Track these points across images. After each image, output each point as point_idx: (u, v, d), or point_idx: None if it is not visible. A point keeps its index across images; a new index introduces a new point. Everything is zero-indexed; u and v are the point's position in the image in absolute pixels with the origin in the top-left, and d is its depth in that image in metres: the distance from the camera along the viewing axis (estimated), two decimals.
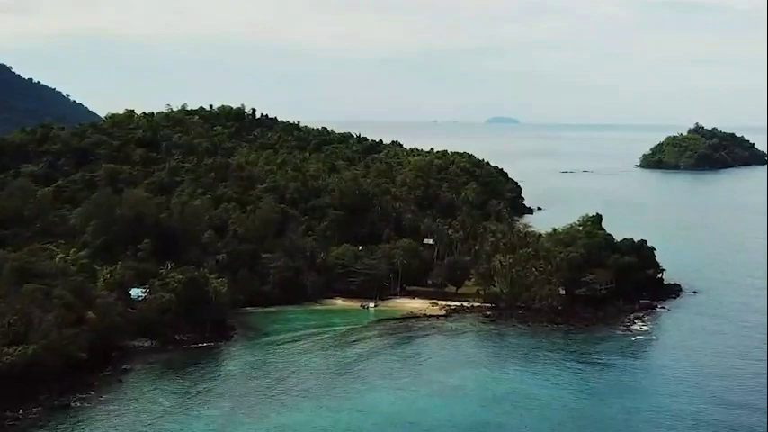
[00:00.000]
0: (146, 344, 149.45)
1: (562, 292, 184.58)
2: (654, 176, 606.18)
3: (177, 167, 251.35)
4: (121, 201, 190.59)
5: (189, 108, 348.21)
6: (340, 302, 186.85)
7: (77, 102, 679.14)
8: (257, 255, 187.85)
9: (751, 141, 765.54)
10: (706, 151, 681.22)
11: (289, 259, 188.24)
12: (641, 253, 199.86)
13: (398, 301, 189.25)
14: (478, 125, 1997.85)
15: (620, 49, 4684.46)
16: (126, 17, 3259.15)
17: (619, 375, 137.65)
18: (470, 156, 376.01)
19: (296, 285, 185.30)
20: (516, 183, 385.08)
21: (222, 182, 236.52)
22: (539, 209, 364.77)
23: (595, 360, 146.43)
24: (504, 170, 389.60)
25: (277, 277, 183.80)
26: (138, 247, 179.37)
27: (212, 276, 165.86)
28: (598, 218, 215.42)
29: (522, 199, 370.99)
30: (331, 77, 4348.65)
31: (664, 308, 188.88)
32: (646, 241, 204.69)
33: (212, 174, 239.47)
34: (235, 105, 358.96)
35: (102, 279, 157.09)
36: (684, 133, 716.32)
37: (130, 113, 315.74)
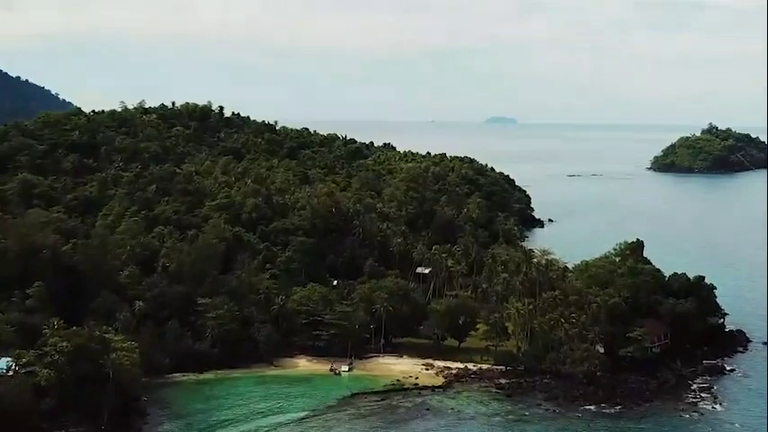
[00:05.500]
0: None
1: (601, 350, 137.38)
2: (668, 181, 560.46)
3: (117, 176, 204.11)
4: (10, 227, 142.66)
5: (147, 106, 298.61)
6: (303, 364, 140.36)
7: (66, 100, 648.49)
8: (191, 299, 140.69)
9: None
10: (721, 153, 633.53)
11: (234, 305, 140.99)
12: (700, 294, 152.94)
13: (381, 361, 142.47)
14: (477, 125, 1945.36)
15: (621, 49, 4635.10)
16: (117, 15, 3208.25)
17: None
18: (472, 161, 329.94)
19: (243, 341, 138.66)
20: (524, 191, 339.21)
21: (166, 197, 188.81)
22: (550, 221, 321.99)
23: None
24: (507, 174, 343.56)
25: (217, 331, 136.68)
26: (27, 292, 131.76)
27: (118, 338, 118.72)
28: (639, 245, 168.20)
29: (532, 210, 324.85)
30: (328, 76, 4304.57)
31: (733, 370, 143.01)
32: (704, 278, 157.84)
33: (153, 186, 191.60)
34: (225, 105, 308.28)
35: None
36: (698, 134, 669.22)
37: (75, 112, 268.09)
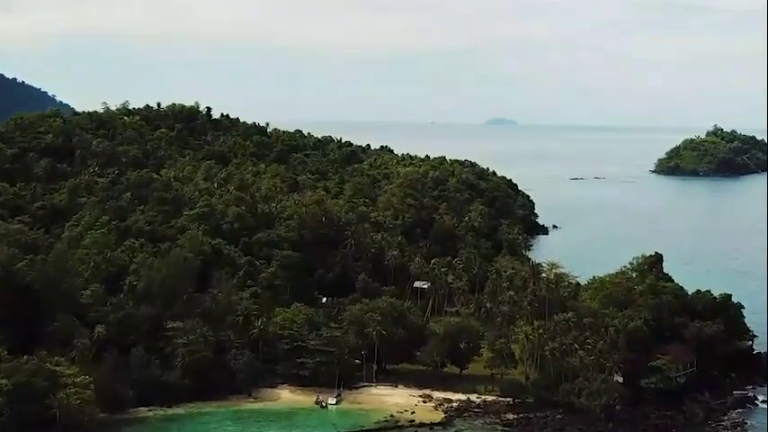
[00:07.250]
0: None
1: (620, 380, 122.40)
2: (673, 184, 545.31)
3: (90, 183, 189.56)
4: None
5: (132, 107, 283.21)
6: (285, 396, 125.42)
7: (63, 102, 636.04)
8: (161, 323, 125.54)
9: None
10: (727, 155, 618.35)
11: (209, 328, 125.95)
12: (727, 315, 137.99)
13: (374, 391, 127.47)
14: (477, 126, 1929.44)
15: (621, 49, 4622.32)
16: (115, 17, 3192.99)
17: None
18: (473, 164, 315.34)
19: (218, 369, 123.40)
20: (527, 196, 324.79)
21: (141, 205, 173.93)
22: (554, 227, 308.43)
23: None
24: (510, 178, 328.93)
25: (188, 359, 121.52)
26: None
27: (71, 371, 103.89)
28: (658, 259, 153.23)
29: (536, 216, 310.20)
30: (326, 77, 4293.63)
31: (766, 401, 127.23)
32: (731, 296, 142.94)
33: (128, 194, 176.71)
34: (223, 106, 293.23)
35: None
36: (702, 136, 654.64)
37: (50, 113, 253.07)
